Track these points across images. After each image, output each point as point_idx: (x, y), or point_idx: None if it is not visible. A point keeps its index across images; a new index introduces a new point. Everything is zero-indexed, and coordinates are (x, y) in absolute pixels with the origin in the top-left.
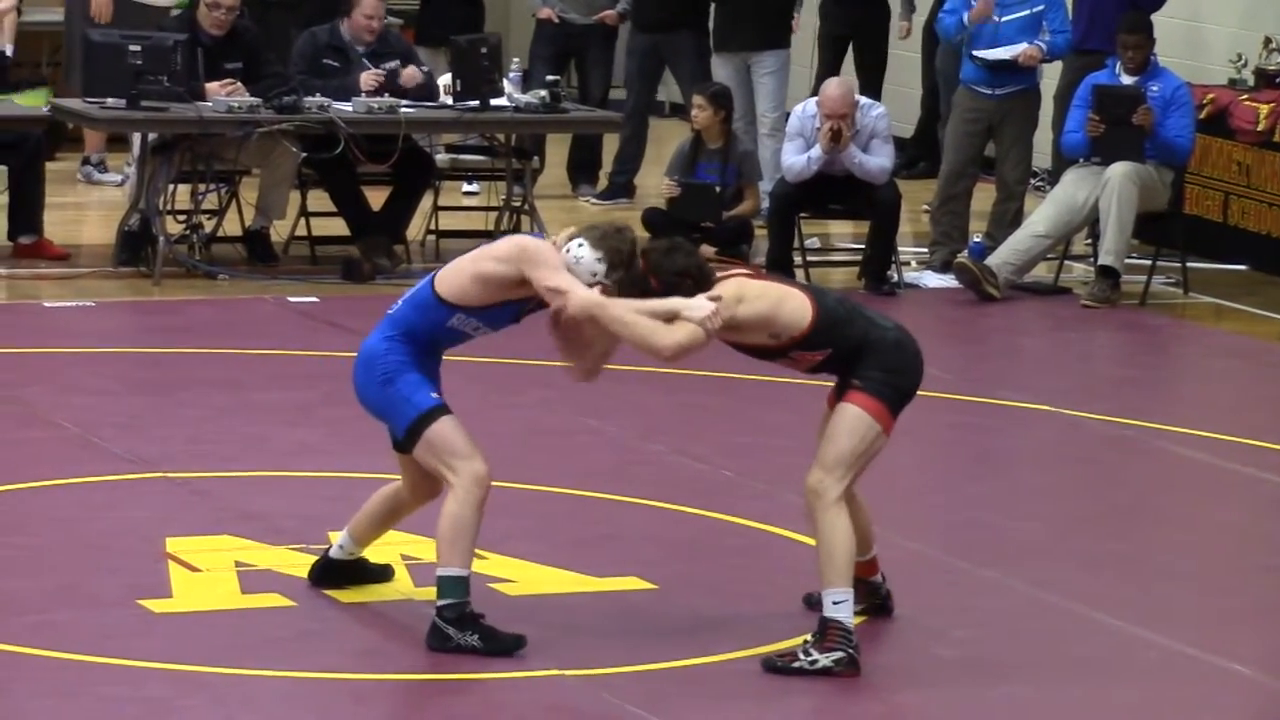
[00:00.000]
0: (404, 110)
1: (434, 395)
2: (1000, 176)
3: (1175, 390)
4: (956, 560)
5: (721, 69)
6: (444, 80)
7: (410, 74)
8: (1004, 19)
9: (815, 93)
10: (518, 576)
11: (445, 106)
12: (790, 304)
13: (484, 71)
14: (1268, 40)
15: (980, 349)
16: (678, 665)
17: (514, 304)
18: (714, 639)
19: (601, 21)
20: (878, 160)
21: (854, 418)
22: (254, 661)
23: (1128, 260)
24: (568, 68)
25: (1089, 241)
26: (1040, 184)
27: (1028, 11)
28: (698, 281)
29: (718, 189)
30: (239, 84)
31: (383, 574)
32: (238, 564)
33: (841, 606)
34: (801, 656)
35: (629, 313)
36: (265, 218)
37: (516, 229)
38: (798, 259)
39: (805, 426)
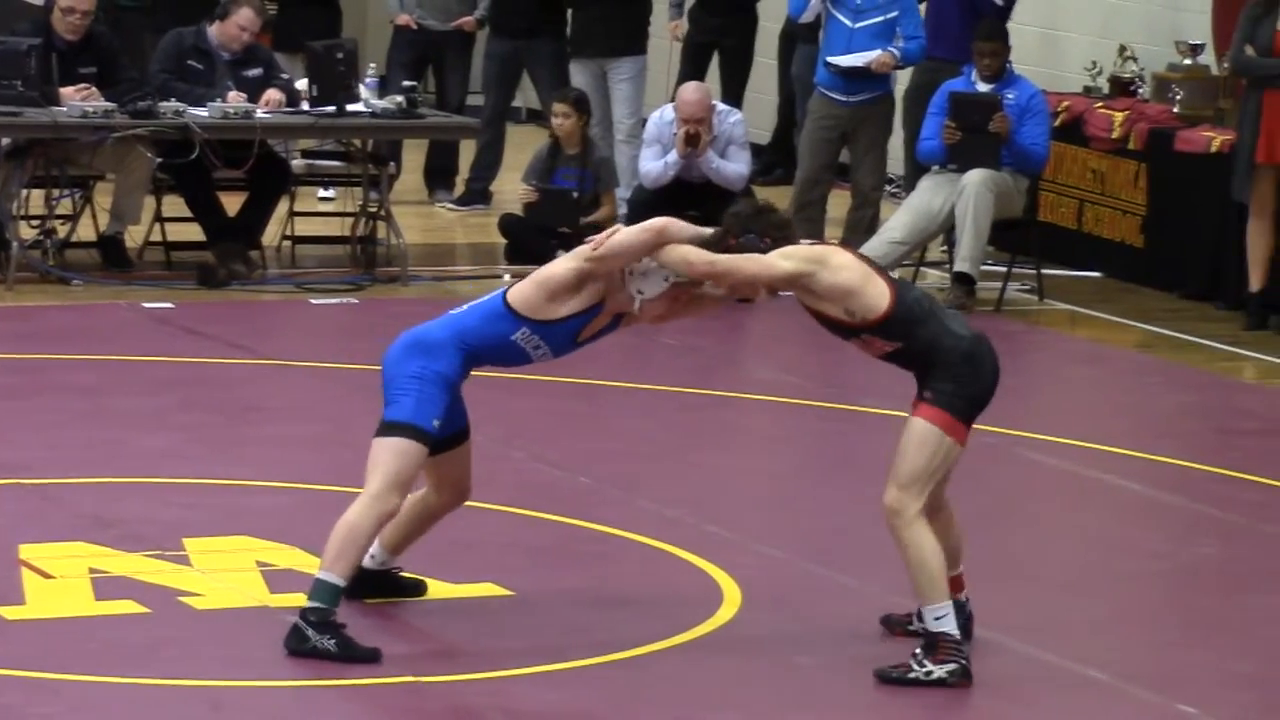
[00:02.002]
0: (260, 116)
1: (435, 423)
2: (855, 183)
3: (1031, 397)
4: (816, 566)
5: (579, 75)
6: (300, 85)
7: (274, 99)
8: (858, 25)
9: (674, 99)
10: None
11: (301, 112)
12: (872, 288)
13: (340, 77)
14: (1123, 49)
15: (840, 355)
16: (534, 671)
17: (575, 320)
18: (571, 645)
19: (459, 28)
20: (735, 167)
21: (923, 431)
22: (108, 668)
23: (983, 267)
24: (425, 73)
25: (945, 249)
26: (895, 190)
27: (881, 18)
28: (775, 242)
29: (575, 194)
30: (94, 89)
31: (415, 588)
32: (92, 570)
33: (944, 620)
34: (916, 668)
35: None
36: (120, 223)
37: (372, 235)
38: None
39: (664, 433)
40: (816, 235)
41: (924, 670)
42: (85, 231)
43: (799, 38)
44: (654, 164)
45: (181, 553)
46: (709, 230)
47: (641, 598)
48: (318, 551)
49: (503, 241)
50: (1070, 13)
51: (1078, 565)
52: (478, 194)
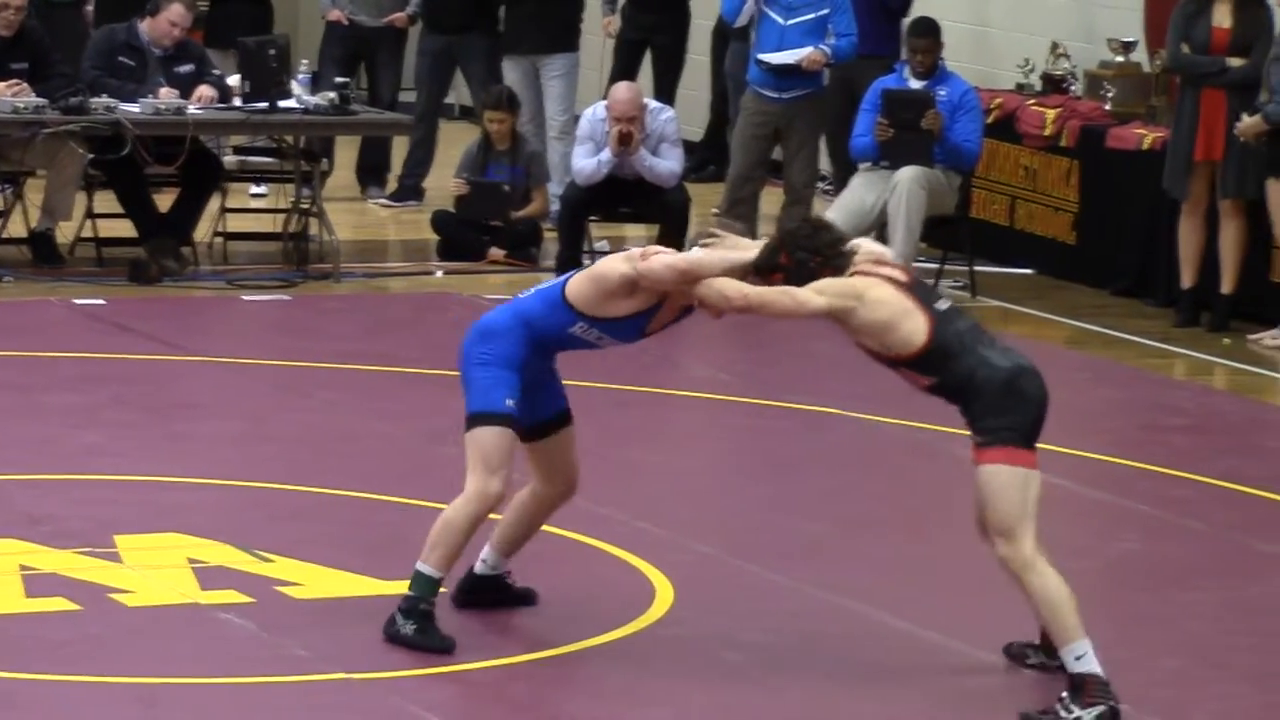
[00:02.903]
0: (191, 112)
1: (509, 403)
2: (788, 180)
3: None
4: (746, 563)
5: (511, 71)
6: (232, 81)
7: (206, 95)
8: (789, 22)
9: (606, 96)
10: (305, 580)
11: (233, 108)
12: (908, 324)
13: (272, 73)
14: (1055, 46)
15: (770, 352)
16: (465, 669)
17: (636, 319)
18: (502, 643)
19: (391, 24)
20: (667, 164)
21: (992, 476)
22: (39, 666)
23: (916, 264)
24: (357, 70)
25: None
26: (827, 188)
27: (813, 15)
28: (827, 260)
29: (505, 188)
30: (25, 84)
31: (526, 597)
32: (22, 567)
33: (1085, 659)
34: (1063, 714)
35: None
36: (51, 219)
37: (304, 231)
38: (588, 262)
39: (597, 431)
40: (750, 232)
41: (1072, 716)
42: (16, 228)
43: (731, 35)
44: (587, 162)
45: (112, 549)
46: (743, 255)
47: (573, 595)
48: (249, 547)
49: (435, 238)
50: (1003, 10)
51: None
52: (410, 190)
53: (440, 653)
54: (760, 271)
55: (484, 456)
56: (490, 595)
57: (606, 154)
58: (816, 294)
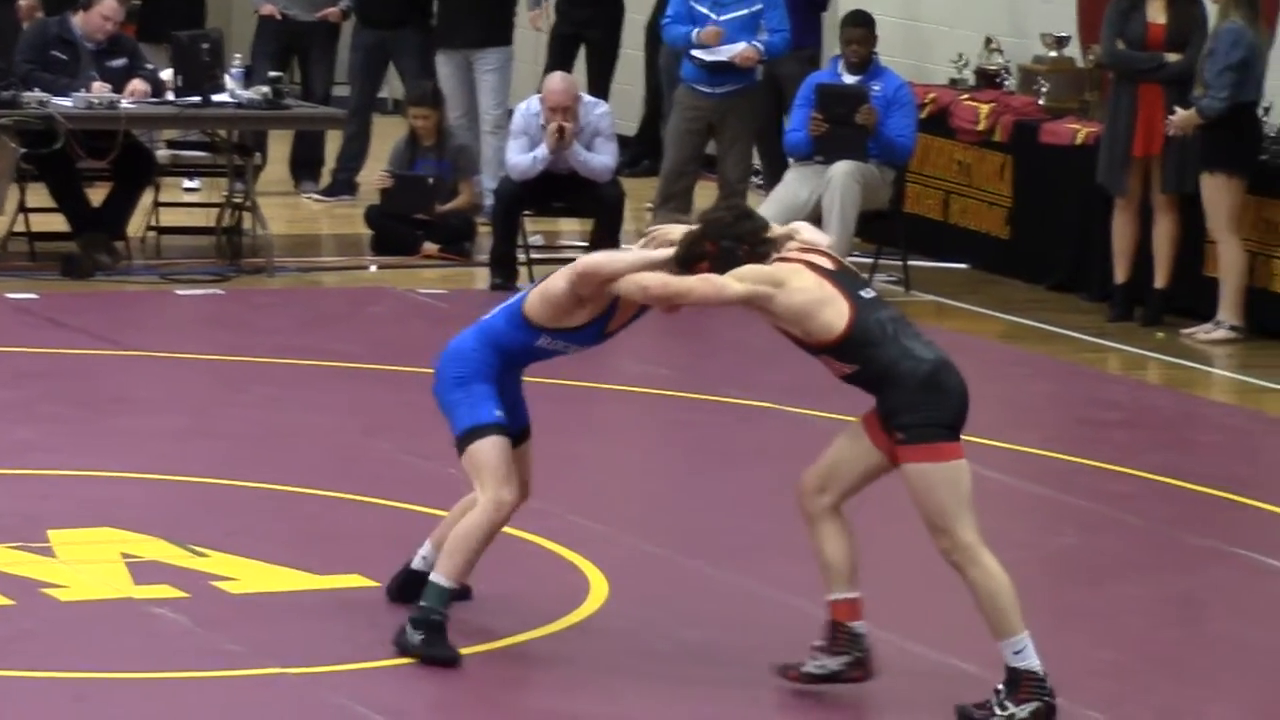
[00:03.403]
0: (124, 106)
1: (496, 413)
2: (722, 174)
3: None
4: (681, 557)
5: (444, 66)
6: (165, 76)
7: (139, 89)
8: (722, 18)
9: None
10: (240, 574)
11: (166, 102)
12: (828, 311)
13: (205, 67)
14: (988, 40)
15: (704, 346)
16: (400, 664)
17: (597, 323)
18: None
19: (324, 19)
20: (601, 159)
21: (920, 476)
22: None
23: (850, 258)
24: (290, 64)
25: None
26: (762, 183)
27: (746, 11)
28: (752, 248)
29: (430, 180)
30: None
31: (462, 593)
32: None
33: (1023, 654)
34: (998, 711)
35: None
36: None
37: (238, 226)
38: (522, 256)
39: (532, 425)
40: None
41: (1005, 713)
42: None
43: None
44: (522, 157)
45: (45, 544)
46: (659, 252)
47: (508, 589)
48: (183, 542)
49: (369, 232)
50: (936, 5)
51: (939, 555)
52: (344, 185)
53: (445, 664)
54: (683, 263)
55: (490, 468)
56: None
57: (542, 150)
58: (736, 280)
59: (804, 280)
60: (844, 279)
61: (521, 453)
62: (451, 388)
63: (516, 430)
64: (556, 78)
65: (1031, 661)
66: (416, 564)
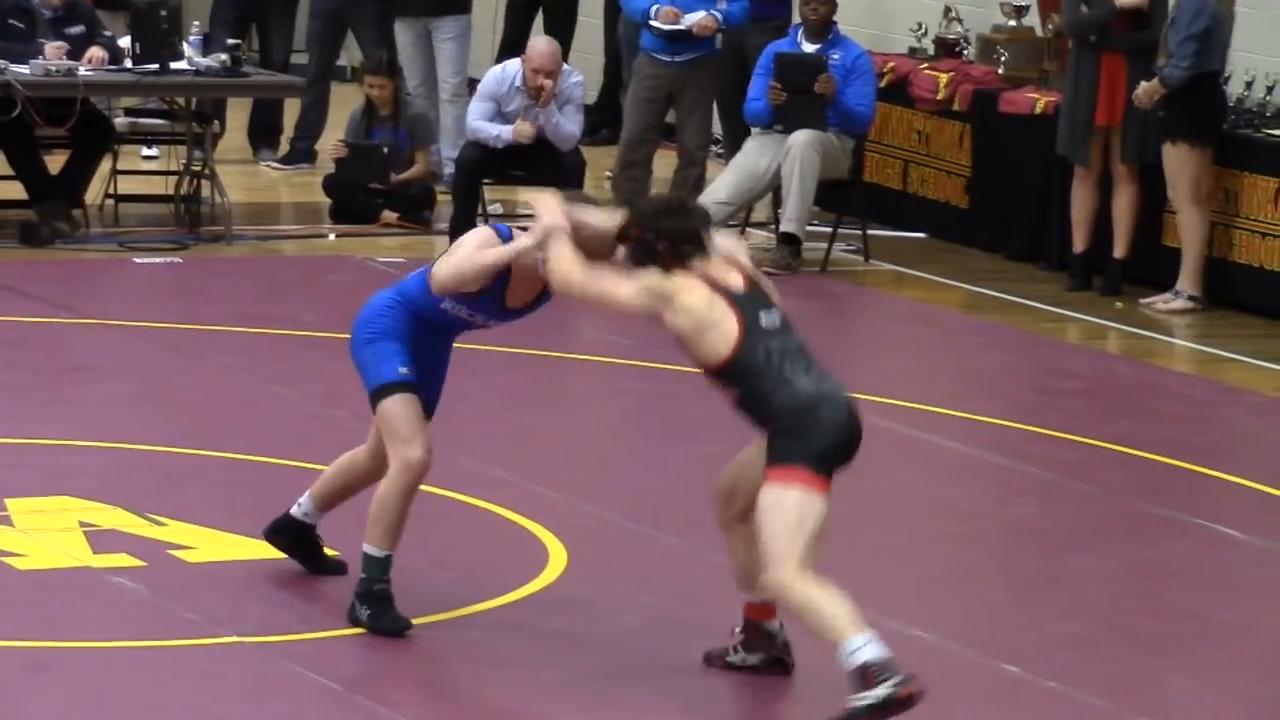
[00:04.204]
0: (82, 73)
1: (402, 370)
2: (681, 143)
3: (856, 357)
4: (641, 527)
5: (403, 34)
6: (123, 43)
7: (97, 56)
8: None
9: (498, 59)
10: (198, 543)
11: (124, 70)
12: (712, 335)
13: (164, 35)
14: (948, 9)
15: None
16: (358, 633)
17: (487, 295)
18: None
19: None
20: (569, 126)
21: (768, 494)
22: None
23: (809, 227)
24: (249, 31)
25: (779, 210)
26: (721, 151)
27: None
28: (672, 247)
29: (384, 150)
30: None
31: (334, 566)
32: None
33: (860, 650)
34: (853, 704)
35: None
36: None
37: (196, 193)
38: (481, 225)
39: (490, 394)
40: (642, 195)
41: (863, 702)
42: None
43: None
44: (486, 126)
45: (3, 513)
46: (516, 245)
47: (466, 558)
48: (141, 511)
49: (327, 201)
50: None
51: (900, 524)
52: (302, 153)
53: (393, 634)
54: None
55: (395, 428)
56: (296, 544)
57: (507, 131)
58: (636, 289)
59: (693, 300)
60: (746, 302)
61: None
62: (362, 346)
63: (427, 398)
64: (542, 40)
65: (870, 655)
66: (294, 511)
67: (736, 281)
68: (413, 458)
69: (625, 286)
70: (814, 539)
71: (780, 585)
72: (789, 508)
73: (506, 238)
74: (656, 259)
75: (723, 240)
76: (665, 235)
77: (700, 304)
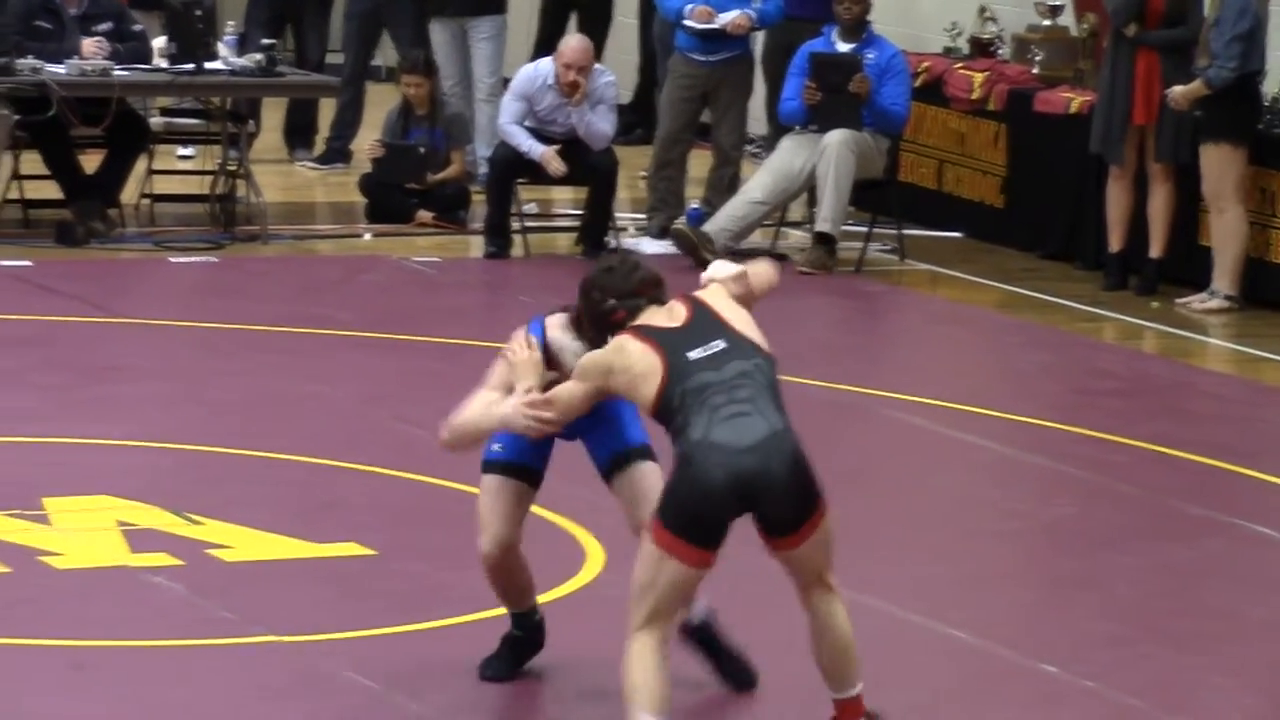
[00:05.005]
0: (118, 73)
1: (494, 448)
2: (716, 142)
3: (892, 356)
4: None
5: (438, 34)
6: (158, 43)
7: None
8: None
9: (533, 59)
10: (236, 542)
11: (160, 70)
12: (643, 389)
13: (199, 34)
14: (982, 9)
15: None
16: (394, 631)
17: None
18: (431, 605)
19: None
20: (602, 125)
21: (642, 543)
22: None
23: (844, 227)
24: (284, 31)
25: (814, 210)
26: (756, 150)
27: None
28: (621, 299)
29: (421, 150)
30: None
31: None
32: None
33: None
34: None
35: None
36: None
37: (232, 193)
38: (516, 225)
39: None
40: (676, 195)
41: None
42: None
43: None
44: (518, 135)
45: (41, 512)
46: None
47: None
48: (178, 510)
49: (363, 200)
50: None
51: (938, 525)
52: (337, 153)
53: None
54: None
55: (478, 513)
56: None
57: (536, 151)
58: (577, 380)
59: (627, 358)
60: (678, 338)
61: (629, 477)
62: None
63: (608, 455)
64: (575, 37)
65: None
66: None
67: (676, 318)
68: (480, 549)
69: (577, 386)
70: (665, 601)
71: (632, 636)
72: (648, 564)
73: (539, 334)
74: (609, 319)
75: (716, 265)
76: (609, 291)
77: (632, 359)
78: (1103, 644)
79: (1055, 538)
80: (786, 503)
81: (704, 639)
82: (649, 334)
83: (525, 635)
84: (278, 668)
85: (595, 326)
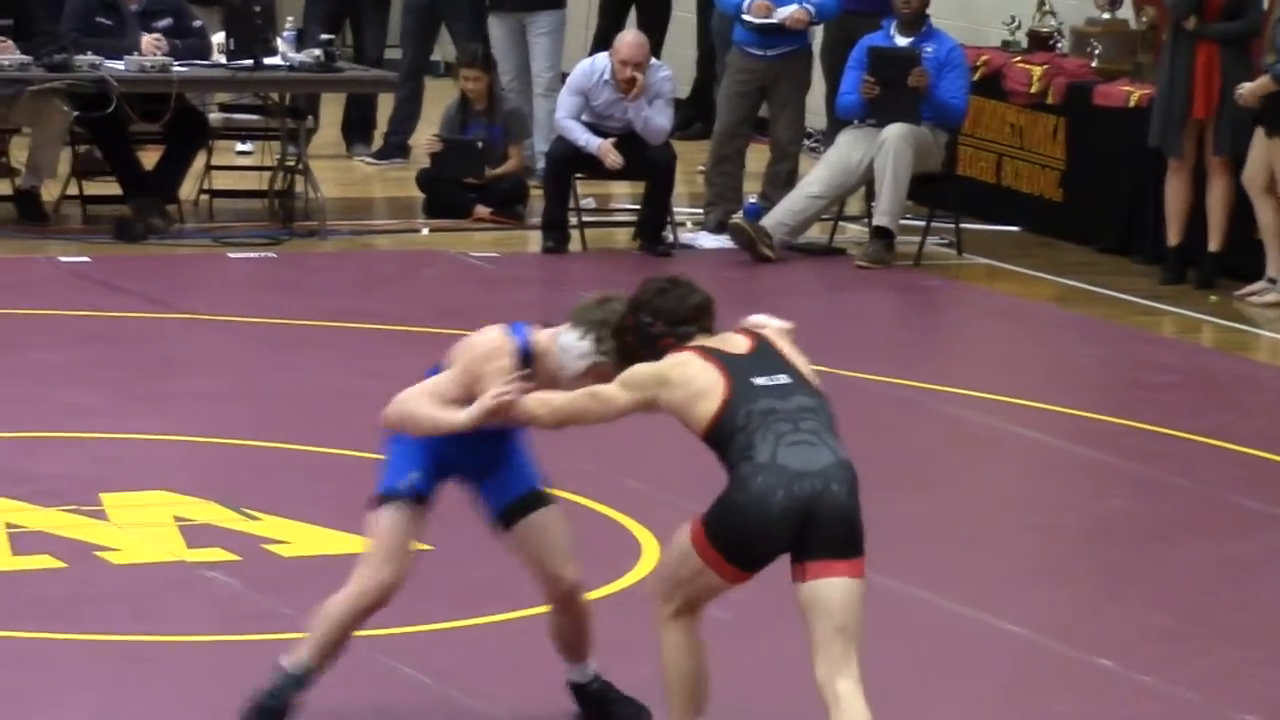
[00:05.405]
0: (177, 69)
1: (412, 476)
2: (774, 137)
3: (949, 351)
4: None
5: (497, 29)
6: (217, 39)
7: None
8: None
9: (591, 54)
10: (292, 538)
11: (218, 65)
12: (704, 404)
13: (258, 30)
14: (1041, 3)
15: (755, 310)
16: (452, 626)
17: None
18: (487, 600)
19: None
20: (660, 120)
21: (680, 535)
22: (26, 623)
23: (902, 221)
24: (343, 27)
25: (872, 204)
26: (814, 145)
27: None
28: (673, 328)
29: (479, 144)
30: (9, 42)
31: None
32: (9, 525)
33: None
34: None
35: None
36: (36, 177)
37: (290, 189)
38: (573, 219)
39: None
40: (734, 189)
41: None
42: (1, 186)
43: None
44: (576, 130)
45: (99, 507)
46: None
47: None
48: (235, 505)
49: (421, 196)
50: None
51: (994, 518)
52: (396, 148)
53: None
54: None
55: (379, 542)
56: (597, 707)
57: (594, 145)
58: (623, 388)
59: (687, 372)
60: (742, 363)
61: (534, 526)
62: (392, 439)
63: (514, 500)
64: (630, 33)
65: None
66: (572, 677)
67: (738, 346)
68: (384, 580)
69: (620, 393)
70: (699, 599)
71: (658, 618)
72: (682, 559)
73: (523, 342)
74: (654, 344)
75: (762, 316)
76: (661, 315)
77: (694, 373)
78: (1158, 638)
79: (1111, 531)
80: (842, 523)
81: (598, 691)
82: (711, 353)
83: None
84: (339, 662)
85: (641, 345)
